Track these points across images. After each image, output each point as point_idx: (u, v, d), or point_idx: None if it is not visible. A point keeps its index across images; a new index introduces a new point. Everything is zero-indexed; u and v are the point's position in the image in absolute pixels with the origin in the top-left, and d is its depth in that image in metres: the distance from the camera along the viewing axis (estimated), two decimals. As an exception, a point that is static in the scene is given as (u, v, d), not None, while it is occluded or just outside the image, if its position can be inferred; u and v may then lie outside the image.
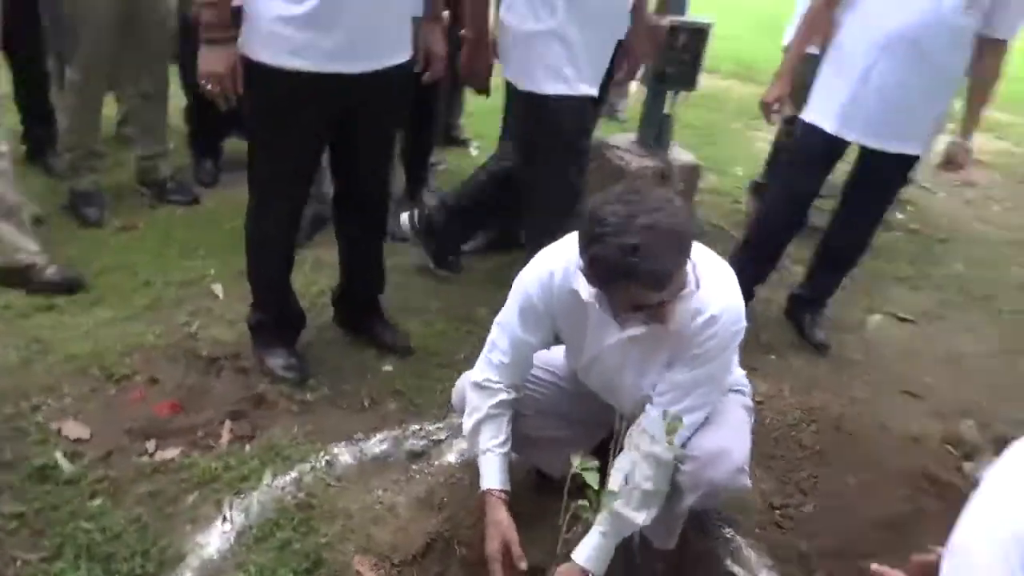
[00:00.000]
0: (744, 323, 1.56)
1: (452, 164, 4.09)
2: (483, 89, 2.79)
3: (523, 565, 1.64)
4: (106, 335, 2.36)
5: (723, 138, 5.17)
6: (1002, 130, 6.29)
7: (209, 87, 1.96)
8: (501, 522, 1.68)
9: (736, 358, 1.78)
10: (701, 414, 1.60)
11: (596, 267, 1.41)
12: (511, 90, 2.53)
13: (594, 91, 2.42)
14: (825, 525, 2.07)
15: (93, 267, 2.72)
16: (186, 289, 2.67)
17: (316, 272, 2.81)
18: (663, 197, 1.40)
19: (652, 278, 1.37)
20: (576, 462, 1.49)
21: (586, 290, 1.51)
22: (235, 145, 3.67)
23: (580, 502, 1.54)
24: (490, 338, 1.75)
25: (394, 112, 2.28)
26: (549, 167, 2.46)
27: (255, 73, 1.97)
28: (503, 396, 1.73)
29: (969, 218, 4.44)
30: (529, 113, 2.46)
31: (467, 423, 1.78)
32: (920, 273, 3.65)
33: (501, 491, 1.71)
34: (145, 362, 2.27)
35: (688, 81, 3.20)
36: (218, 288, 2.70)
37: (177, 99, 3.43)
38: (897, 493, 2.18)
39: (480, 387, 1.75)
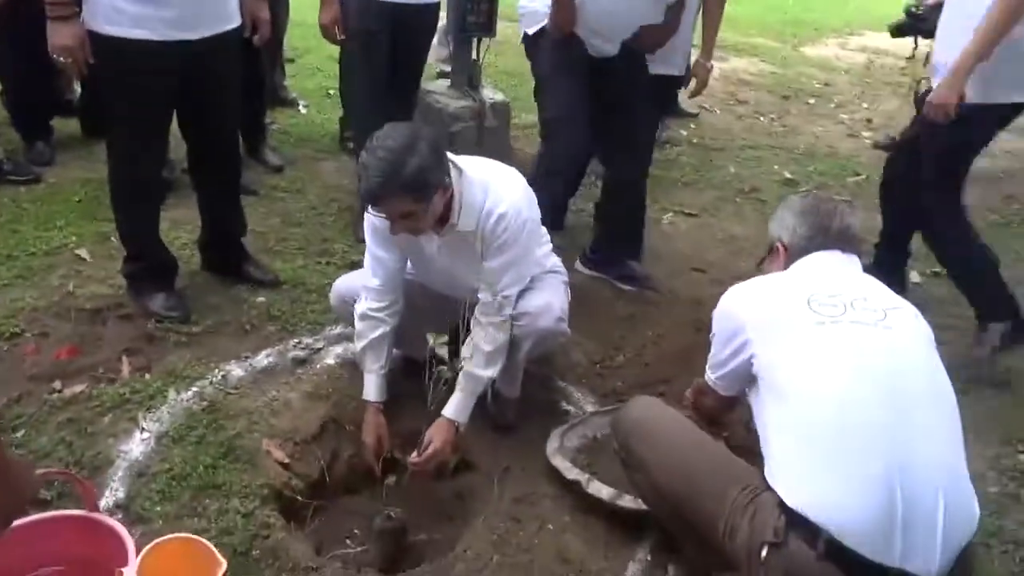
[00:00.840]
0: (526, 216, 2.03)
1: (284, 123, 4.37)
2: None
3: (390, 450, 2.13)
4: (-14, 304, 2.52)
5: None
6: (765, 54, 7.26)
7: (62, 60, 2.19)
8: (376, 423, 2.15)
9: (548, 245, 2.29)
10: (517, 287, 2.09)
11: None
12: None
13: None
14: (633, 369, 2.66)
15: (-51, 248, 2.82)
16: (52, 257, 2.84)
17: (176, 230, 3.04)
18: (408, 128, 1.88)
19: (373, 197, 1.85)
20: (431, 339, 1.96)
21: None
22: (62, 124, 3.77)
23: (439, 368, 2.01)
24: (363, 269, 2.16)
25: (231, 73, 2.56)
26: None
27: (103, 45, 2.22)
28: (382, 328, 2.14)
29: (740, 130, 5.24)
30: None
31: (356, 346, 2.20)
32: (701, 177, 4.37)
33: (378, 402, 2.16)
34: (31, 321, 2.47)
35: (487, 29, 3.66)
36: (83, 252, 2.88)
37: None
38: (683, 339, 2.80)
39: (366, 317, 2.15)
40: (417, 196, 1.85)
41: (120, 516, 1.84)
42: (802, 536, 1.43)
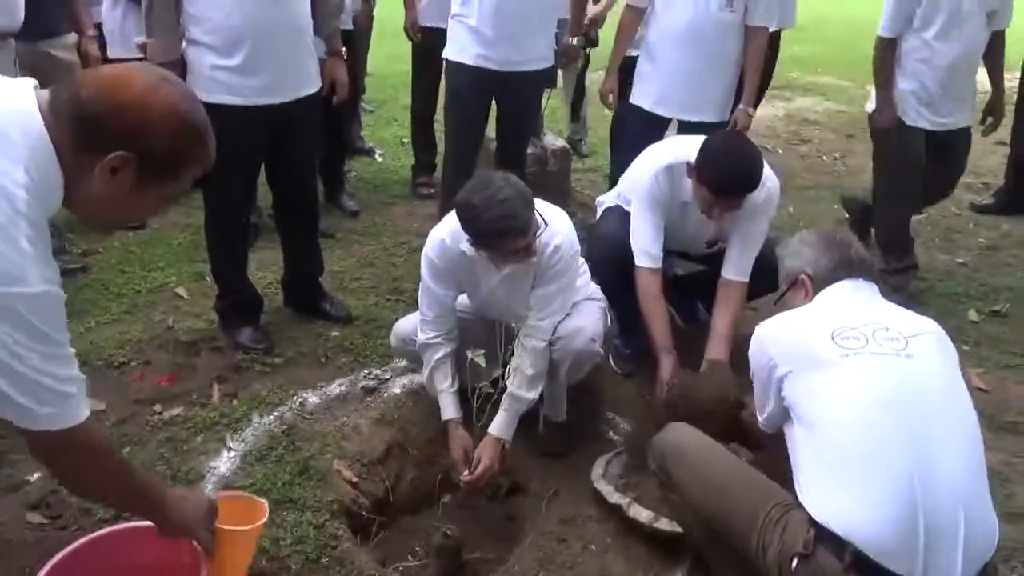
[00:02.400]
0: (576, 248, 2.25)
1: (360, 171, 4.72)
2: None
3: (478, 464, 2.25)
4: (98, 336, 2.85)
5: (594, 125, 5.90)
6: (831, 92, 7.30)
7: None
8: (461, 437, 2.31)
9: (587, 275, 2.48)
10: (562, 313, 2.28)
11: (480, 237, 2.07)
12: None
13: None
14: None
15: (68, 289, 3.17)
16: (154, 295, 3.19)
17: (262, 270, 3.35)
18: (501, 176, 2.09)
19: (519, 231, 2.04)
20: (470, 354, 2.16)
21: (469, 248, 2.18)
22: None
23: (480, 384, 2.21)
24: (419, 304, 2.39)
25: (312, 131, 2.86)
26: None
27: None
28: (444, 349, 2.35)
29: (800, 169, 5.30)
30: None
31: (424, 374, 2.40)
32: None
33: (457, 418, 2.34)
34: (136, 351, 2.79)
35: (551, 80, 3.90)
36: (182, 290, 3.22)
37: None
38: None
39: (426, 345, 2.36)
40: (537, 228, 2.09)
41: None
42: (830, 549, 1.53)
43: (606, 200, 2.90)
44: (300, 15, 2.61)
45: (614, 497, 2.19)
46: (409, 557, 2.26)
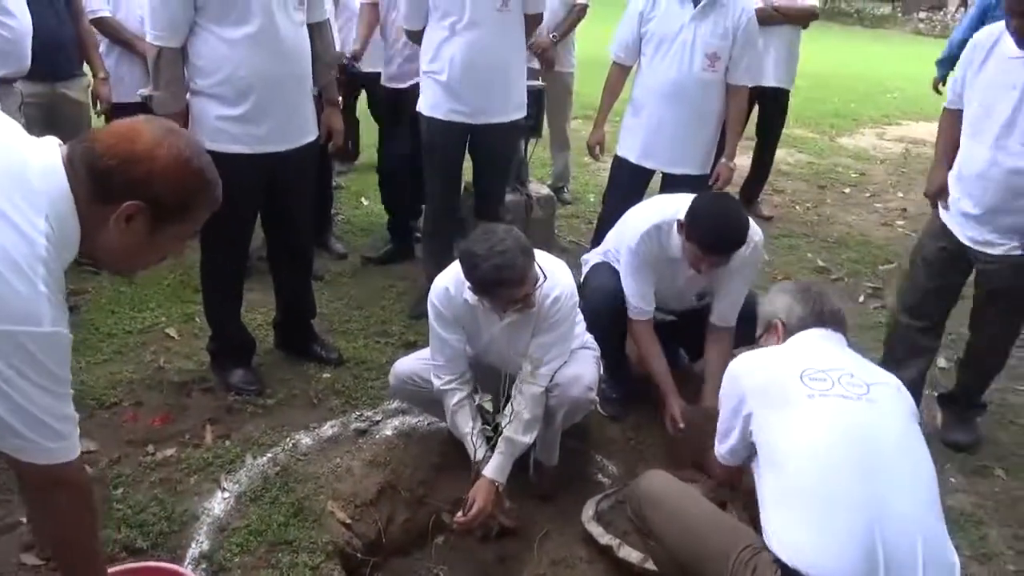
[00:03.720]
0: (576, 299, 2.34)
1: (347, 214, 4.81)
2: None
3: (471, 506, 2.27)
4: (89, 376, 2.86)
5: (576, 172, 6.06)
6: (803, 144, 7.56)
7: None
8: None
9: (582, 324, 2.55)
10: (558, 362, 2.35)
11: (480, 285, 2.16)
12: None
13: None
14: (664, 445, 2.85)
15: (56, 327, 3.19)
16: (145, 335, 3.21)
17: (252, 312, 3.37)
18: (503, 228, 2.19)
19: (517, 281, 2.13)
20: (477, 398, 2.23)
21: (471, 297, 2.26)
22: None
23: (482, 426, 2.27)
24: (431, 351, 2.44)
25: (308, 178, 2.93)
26: None
27: (207, 158, 2.61)
28: (460, 393, 2.40)
29: (775, 219, 5.46)
30: None
31: (448, 420, 2.45)
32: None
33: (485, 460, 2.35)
34: (128, 392, 2.80)
35: (535, 130, 4.03)
36: (172, 331, 3.25)
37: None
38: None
39: (443, 391, 2.41)
40: (536, 280, 2.18)
41: (204, 566, 2.10)
42: None
43: (591, 258, 3.01)
44: (303, 66, 2.70)
45: (605, 539, 2.24)
46: (401, 599, 2.29)
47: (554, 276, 2.29)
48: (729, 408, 1.92)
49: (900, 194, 6.34)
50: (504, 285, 2.12)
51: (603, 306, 2.73)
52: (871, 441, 1.69)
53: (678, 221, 2.53)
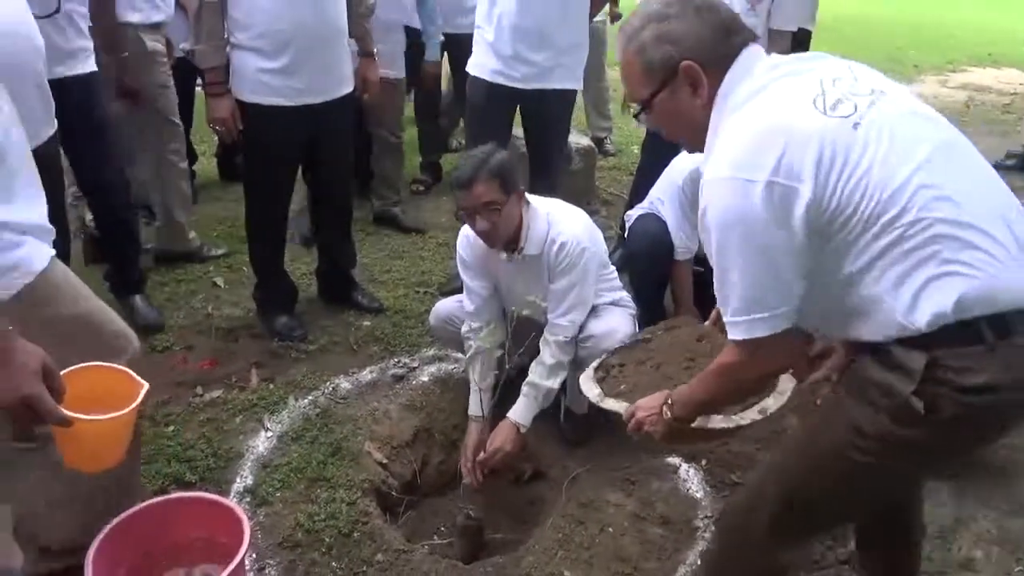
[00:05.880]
0: (584, 245, 2.33)
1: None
2: None
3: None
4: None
5: (620, 123, 5.99)
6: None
7: (217, 128, 2.67)
8: (474, 434, 2.42)
9: (616, 282, 2.57)
10: (578, 311, 2.37)
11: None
12: None
13: None
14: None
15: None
16: (195, 284, 3.34)
17: (296, 262, 3.48)
18: (495, 149, 2.27)
19: (465, 183, 2.21)
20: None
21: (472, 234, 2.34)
22: (203, 170, 4.34)
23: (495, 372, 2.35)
24: (463, 297, 2.52)
25: (347, 129, 2.98)
26: None
27: (248, 112, 2.68)
28: (476, 343, 2.43)
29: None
30: None
31: (466, 364, 2.53)
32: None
33: (477, 416, 2.44)
34: (179, 337, 2.94)
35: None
36: (219, 280, 3.37)
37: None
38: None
39: (465, 338, 2.49)
40: (501, 184, 2.22)
41: (248, 500, 2.22)
42: (962, 343, 1.24)
43: (634, 213, 3.01)
44: (339, 18, 2.73)
45: (594, 392, 1.98)
46: (434, 536, 2.38)
47: (560, 223, 2.33)
48: (761, 228, 1.27)
49: (960, 144, 6.10)
50: (458, 186, 2.24)
51: (643, 250, 2.80)
52: (926, 140, 1.29)
53: None
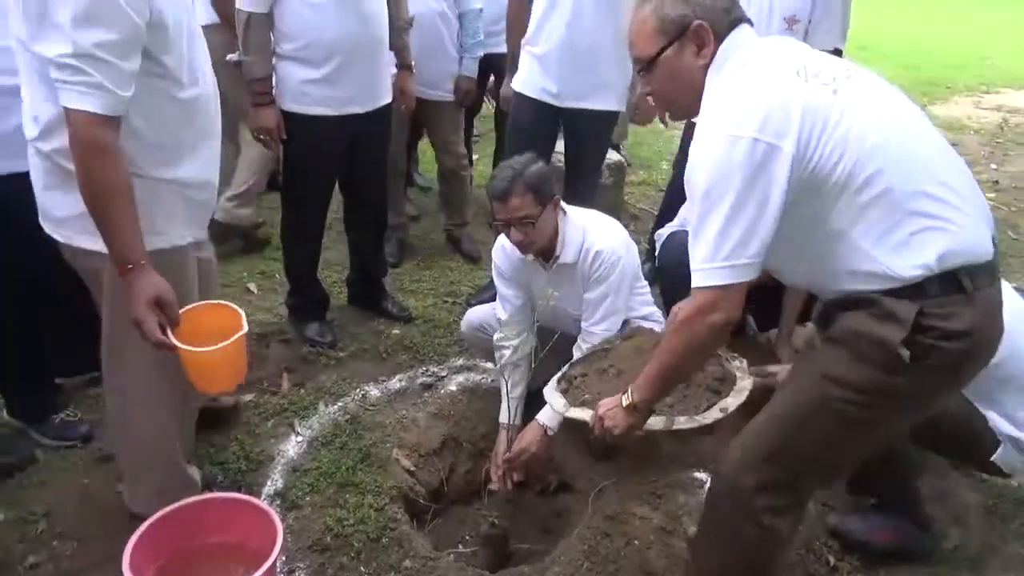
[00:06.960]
0: (620, 255, 2.35)
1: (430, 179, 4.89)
2: None
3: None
4: (177, 325, 3.06)
5: (650, 139, 6.02)
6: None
7: (262, 137, 2.73)
8: (500, 440, 2.46)
9: (648, 296, 2.59)
10: (611, 320, 2.39)
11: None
12: None
13: None
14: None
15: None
16: (228, 289, 3.38)
17: (328, 269, 3.53)
18: (531, 160, 2.29)
19: (499, 196, 2.24)
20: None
21: (508, 244, 2.36)
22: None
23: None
24: (495, 303, 2.55)
25: (385, 138, 3.03)
26: None
27: (291, 121, 2.73)
28: (507, 353, 2.47)
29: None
30: None
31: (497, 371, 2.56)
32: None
33: (506, 424, 2.48)
34: (212, 341, 2.98)
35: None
36: (252, 286, 3.42)
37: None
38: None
39: (497, 346, 2.51)
40: (536, 196, 2.24)
41: (278, 503, 2.25)
42: (945, 293, 1.40)
43: (664, 232, 2.98)
44: (382, 29, 2.78)
45: (559, 403, 2.10)
46: (459, 545, 2.40)
47: (595, 233, 2.35)
48: (742, 190, 1.38)
49: (993, 166, 6.04)
50: (493, 197, 2.26)
51: (676, 261, 2.76)
52: (897, 109, 1.50)
53: None
